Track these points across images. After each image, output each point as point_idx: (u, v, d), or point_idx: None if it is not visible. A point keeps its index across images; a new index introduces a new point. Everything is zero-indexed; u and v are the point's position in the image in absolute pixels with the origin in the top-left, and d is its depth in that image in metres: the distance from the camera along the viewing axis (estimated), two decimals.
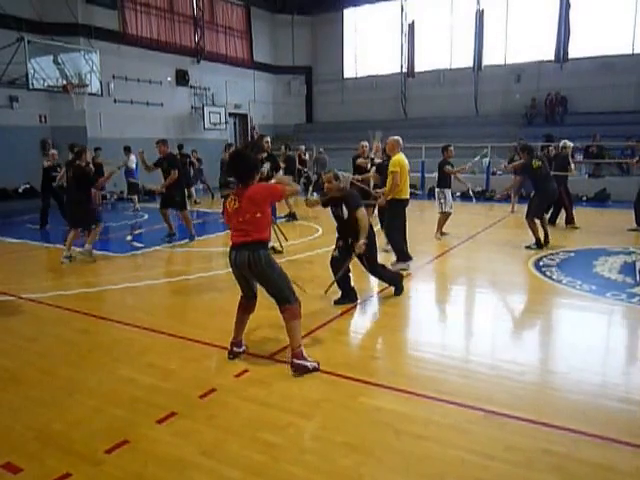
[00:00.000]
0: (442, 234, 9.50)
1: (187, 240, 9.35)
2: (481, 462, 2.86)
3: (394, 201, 7.02)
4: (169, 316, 5.66)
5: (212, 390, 3.73)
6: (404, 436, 3.13)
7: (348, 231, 5.49)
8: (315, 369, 3.99)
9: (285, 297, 4.01)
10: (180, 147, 15.90)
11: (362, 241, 5.22)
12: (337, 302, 5.66)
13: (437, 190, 9.47)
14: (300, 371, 3.94)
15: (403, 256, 7.20)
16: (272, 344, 4.53)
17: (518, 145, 8.95)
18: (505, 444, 3.03)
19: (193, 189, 16.38)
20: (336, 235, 5.73)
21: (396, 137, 7.16)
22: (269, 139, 8.82)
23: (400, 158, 6.95)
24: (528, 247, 8.44)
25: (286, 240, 8.21)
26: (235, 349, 4.31)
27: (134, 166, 13.89)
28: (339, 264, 5.60)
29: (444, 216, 9.45)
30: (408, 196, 7.19)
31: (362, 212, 5.30)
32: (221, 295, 6.23)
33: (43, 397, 3.71)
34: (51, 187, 10.82)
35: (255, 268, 3.93)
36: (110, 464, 2.89)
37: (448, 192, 9.31)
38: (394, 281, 6.06)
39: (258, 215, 3.92)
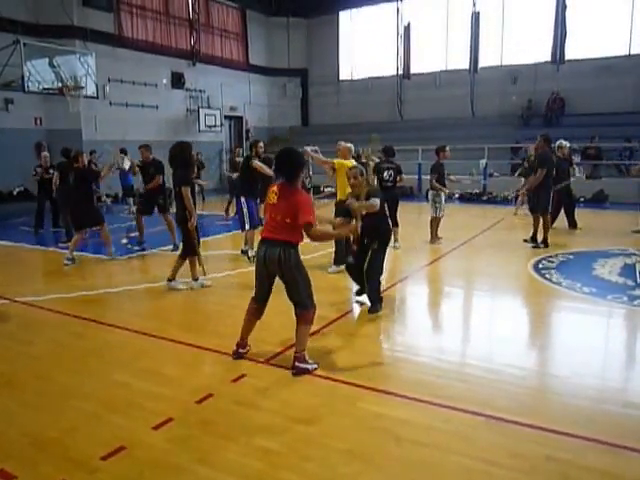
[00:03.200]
0: (433, 237, 9.29)
1: (171, 248, 8.79)
2: (483, 469, 2.81)
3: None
4: (165, 320, 5.59)
5: (209, 395, 3.67)
6: (405, 443, 3.08)
7: (368, 230, 5.43)
8: (314, 369, 4.06)
9: (303, 302, 4.05)
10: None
11: (355, 224, 5.20)
12: (371, 311, 5.45)
13: (432, 193, 9.21)
14: (300, 373, 4.00)
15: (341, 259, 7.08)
16: (270, 349, 4.46)
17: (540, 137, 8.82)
18: (507, 450, 2.97)
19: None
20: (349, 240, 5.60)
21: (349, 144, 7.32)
22: (262, 144, 8.72)
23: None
24: (535, 246, 8.61)
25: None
26: (240, 350, 4.32)
27: (127, 167, 13.83)
28: (357, 268, 5.55)
29: (436, 220, 9.23)
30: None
31: (376, 201, 5.22)
32: (218, 299, 6.18)
33: (38, 402, 3.64)
34: (46, 190, 10.72)
35: (285, 265, 3.95)
36: (106, 471, 2.83)
37: (442, 195, 9.10)
38: (375, 297, 5.51)
39: (287, 221, 3.92)
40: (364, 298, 5.67)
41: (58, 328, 5.22)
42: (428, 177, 18.02)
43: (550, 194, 8.75)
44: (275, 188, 4.07)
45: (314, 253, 8.03)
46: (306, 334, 4.10)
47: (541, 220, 8.77)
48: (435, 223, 9.27)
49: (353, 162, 7.09)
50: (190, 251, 6.49)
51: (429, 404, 3.53)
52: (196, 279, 6.57)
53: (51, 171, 10.61)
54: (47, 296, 6.19)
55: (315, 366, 4.08)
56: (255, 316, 4.28)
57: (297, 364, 4.03)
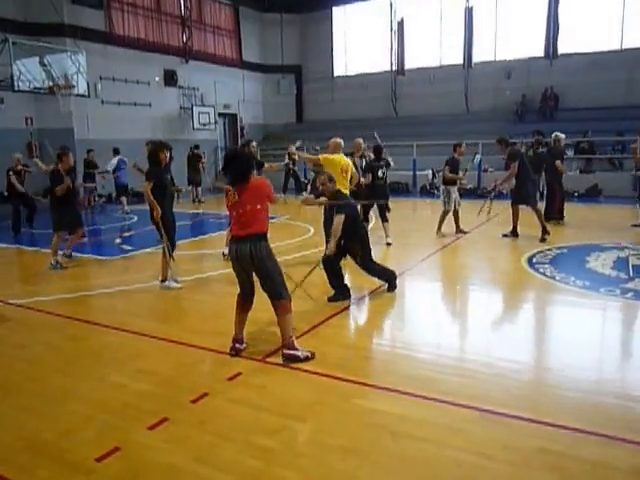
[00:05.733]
0: (462, 231, 9.61)
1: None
2: (478, 462, 2.83)
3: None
4: (160, 320, 5.59)
5: (204, 394, 3.66)
6: (400, 438, 3.09)
7: (344, 232, 5.55)
8: (307, 358, 4.12)
9: (278, 292, 4.15)
10: (196, 147, 16.67)
11: (331, 245, 5.45)
12: (331, 299, 5.67)
13: (442, 187, 9.72)
14: (291, 360, 4.08)
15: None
16: (265, 346, 4.46)
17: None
18: (502, 443, 2.99)
19: (200, 189, 16.34)
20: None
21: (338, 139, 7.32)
22: (255, 144, 8.67)
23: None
24: (504, 235, 9.10)
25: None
26: (237, 345, 4.35)
27: (110, 169, 13.84)
28: (333, 264, 5.69)
29: (445, 214, 9.56)
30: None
31: (340, 218, 5.47)
32: (212, 298, 6.18)
33: (33, 406, 3.63)
34: (17, 192, 10.76)
35: (256, 259, 4.05)
36: (101, 472, 2.83)
37: (453, 189, 9.45)
38: (387, 277, 6.04)
39: (258, 207, 4.09)
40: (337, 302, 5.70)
41: (52, 330, 5.20)
42: (423, 173, 18.11)
43: (529, 185, 8.99)
44: (231, 189, 4.14)
45: (305, 251, 8.05)
46: (289, 322, 4.19)
47: (522, 211, 9.07)
48: (443, 216, 9.59)
49: (342, 156, 7.03)
50: (171, 247, 6.46)
51: (424, 399, 3.54)
52: (164, 280, 6.47)
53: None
54: (40, 298, 6.16)
55: (307, 354, 4.14)
56: (245, 310, 4.39)
57: (285, 351, 4.12)
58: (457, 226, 9.71)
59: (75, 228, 8.00)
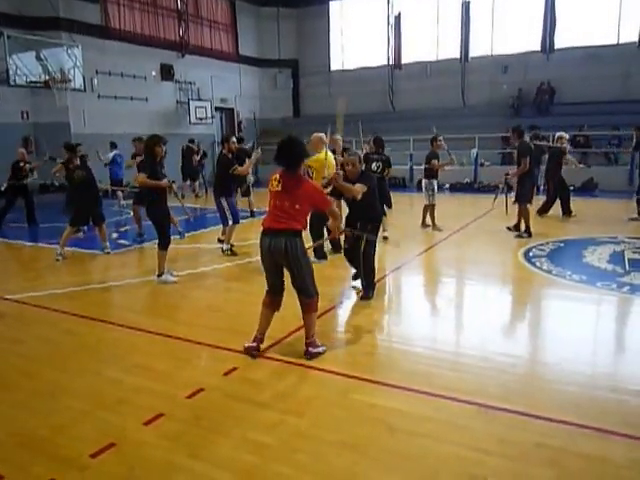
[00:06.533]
0: (435, 227, 9.51)
1: (177, 237, 8.68)
2: (476, 457, 2.82)
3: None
4: (156, 314, 5.56)
5: (200, 390, 3.65)
6: (398, 433, 3.08)
7: (359, 214, 5.50)
8: (324, 351, 4.18)
9: (308, 290, 4.10)
10: (191, 141, 16.40)
11: (357, 189, 5.19)
12: (363, 298, 5.59)
13: (425, 181, 9.58)
14: (314, 358, 4.09)
15: (321, 253, 7.23)
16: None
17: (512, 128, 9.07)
18: (499, 438, 2.99)
19: (197, 183, 16.27)
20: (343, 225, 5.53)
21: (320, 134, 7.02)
22: (235, 139, 8.25)
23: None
24: (518, 235, 8.67)
25: None
26: (257, 345, 4.20)
27: (105, 162, 13.76)
28: (355, 253, 5.62)
29: (432, 208, 9.52)
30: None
31: (363, 188, 5.28)
32: (209, 293, 6.16)
33: (27, 401, 3.61)
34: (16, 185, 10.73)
35: (291, 254, 3.96)
36: (95, 469, 2.81)
37: (435, 183, 9.47)
38: (370, 280, 5.63)
39: (297, 207, 3.98)
40: (358, 283, 5.72)
41: (48, 325, 5.17)
42: (420, 167, 18.10)
43: (533, 184, 8.91)
44: (277, 175, 4.07)
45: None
46: (314, 320, 4.19)
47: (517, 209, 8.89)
48: (429, 210, 9.57)
49: (329, 153, 6.79)
50: (166, 242, 6.44)
51: (422, 394, 3.53)
52: (160, 275, 6.45)
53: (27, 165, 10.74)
54: (35, 293, 6.13)
55: (324, 347, 4.20)
56: (270, 308, 4.23)
57: (310, 349, 4.11)
58: (432, 221, 9.62)
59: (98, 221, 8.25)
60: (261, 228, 4.13)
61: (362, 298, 5.59)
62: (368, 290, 5.61)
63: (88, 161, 8.68)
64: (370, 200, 5.44)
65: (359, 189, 5.24)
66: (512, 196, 9.13)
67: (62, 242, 7.87)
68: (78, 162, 8.39)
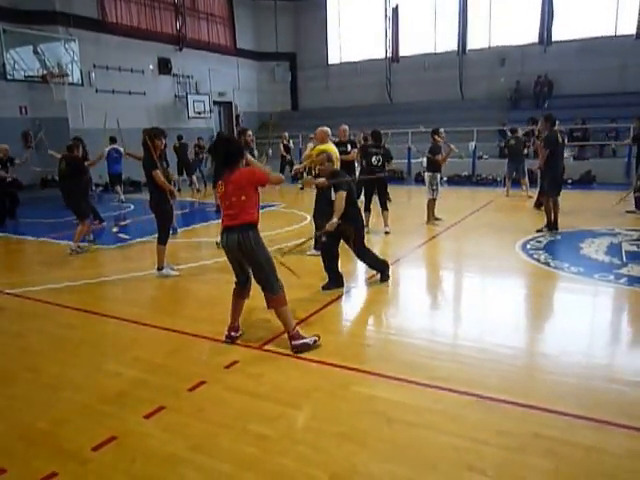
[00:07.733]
0: (436, 219, 9.50)
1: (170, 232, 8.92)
2: (474, 448, 2.85)
3: None
4: (156, 308, 5.58)
5: (201, 382, 3.67)
6: (396, 424, 3.11)
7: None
8: (316, 342, 4.15)
9: (271, 284, 4.10)
10: (180, 137, 16.15)
11: (334, 220, 5.36)
12: (325, 288, 5.66)
13: (429, 175, 9.41)
14: (302, 350, 4.07)
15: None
16: (262, 334, 4.47)
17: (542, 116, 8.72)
18: (497, 429, 3.01)
19: (195, 177, 16.25)
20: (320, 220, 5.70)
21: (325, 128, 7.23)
22: (251, 132, 8.51)
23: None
24: (539, 230, 8.39)
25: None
26: (233, 334, 4.36)
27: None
28: (330, 247, 5.66)
29: (433, 202, 9.46)
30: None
31: (342, 195, 5.42)
32: (208, 286, 6.17)
33: (28, 395, 3.63)
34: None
35: (245, 248, 4.03)
36: (97, 462, 2.83)
37: (438, 176, 9.41)
38: (379, 266, 6.01)
39: (243, 198, 4.04)
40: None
41: (49, 319, 5.18)
42: (417, 161, 18.04)
43: (555, 176, 8.39)
44: (220, 182, 4.15)
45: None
46: (288, 314, 4.16)
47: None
48: (432, 204, 9.47)
49: (332, 146, 6.95)
50: (165, 237, 6.45)
51: (420, 385, 3.56)
52: (160, 268, 6.46)
53: (8, 164, 10.62)
54: (36, 287, 6.14)
55: (315, 339, 4.16)
56: (241, 297, 4.39)
57: (293, 343, 4.10)
58: (432, 213, 9.55)
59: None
60: (262, 223, 4.23)
61: (382, 280, 5.94)
62: (383, 275, 5.96)
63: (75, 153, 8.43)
64: (347, 203, 5.51)
65: (321, 181, 5.52)
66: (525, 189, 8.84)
67: (76, 238, 7.86)
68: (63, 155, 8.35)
